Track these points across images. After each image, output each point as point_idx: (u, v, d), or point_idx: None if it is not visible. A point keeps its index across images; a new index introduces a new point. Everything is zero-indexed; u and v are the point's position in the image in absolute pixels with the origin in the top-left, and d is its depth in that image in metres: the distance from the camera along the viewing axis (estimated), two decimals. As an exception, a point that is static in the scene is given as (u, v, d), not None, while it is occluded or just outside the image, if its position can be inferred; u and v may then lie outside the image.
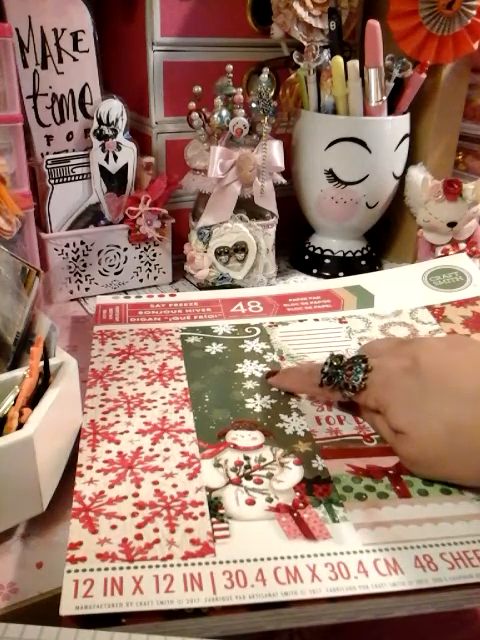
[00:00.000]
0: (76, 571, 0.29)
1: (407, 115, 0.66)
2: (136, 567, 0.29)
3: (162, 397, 0.43)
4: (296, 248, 0.76)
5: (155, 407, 0.42)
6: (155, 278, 0.69)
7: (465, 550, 0.31)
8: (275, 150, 0.62)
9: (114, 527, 0.31)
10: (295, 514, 0.33)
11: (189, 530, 0.31)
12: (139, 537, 0.31)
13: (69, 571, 0.29)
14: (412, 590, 0.29)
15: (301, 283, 0.70)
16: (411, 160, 0.69)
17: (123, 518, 0.32)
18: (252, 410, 0.42)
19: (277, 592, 0.28)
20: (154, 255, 0.67)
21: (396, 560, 0.30)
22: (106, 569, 0.29)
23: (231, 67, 0.60)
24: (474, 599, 0.30)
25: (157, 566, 0.29)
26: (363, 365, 0.38)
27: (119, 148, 0.62)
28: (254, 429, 0.40)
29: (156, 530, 0.31)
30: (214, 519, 0.32)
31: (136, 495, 0.34)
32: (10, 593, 0.31)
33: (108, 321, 0.54)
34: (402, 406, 0.36)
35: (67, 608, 0.27)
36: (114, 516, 0.32)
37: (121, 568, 0.29)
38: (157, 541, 0.31)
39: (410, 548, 0.30)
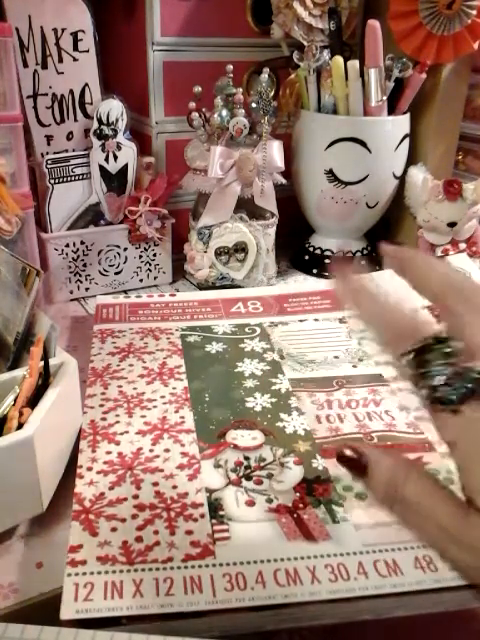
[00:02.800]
0: (76, 574, 0.29)
1: (407, 115, 0.66)
2: (136, 570, 0.29)
3: (162, 396, 0.43)
4: (296, 248, 0.76)
5: (155, 407, 0.42)
6: (155, 278, 0.69)
7: None
8: (275, 150, 0.62)
9: (114, 529, 0.31)
10: (295, 515, 0.33)
11: (189, 532, 0.31)
12: (139, 539, 0.31)
13: (69, 574, 0.29)
14: (412, 591, 0.29)
15: (301, 283, 0.70)
16: (411, 160, 0.69)
17: (123, 520, 0.32)
18: (252, 409, 0.42)
19: (277, 594, 0.28)
20: (154, 255, 0.67)
21: (396, 561, 0.30)
22: (106, 572, 0.29)
23: (231, 67, 0.60)
24: (474, 599, 0.30)
25: (157, 569, 0.29)
26: (472, 383, 0.23)
27: (119, 148, 0.62)
28: (254, 428, 0.40)
29: (156, 532, 0.31)
30: (214, 521, 0.32)
31: (136, 497, 0.34)
32: (10, 593, 0.31)
33: (108, 320, 0.54)
34: None
35: (68, 612, 0.27)
36: (114, 518, 0.32)
37: (121, 571, 0.29)
38: (157, 543, 0.31)
39: (410, 548, 0.30)
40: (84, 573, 0.29)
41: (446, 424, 0.24)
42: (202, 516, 0.32)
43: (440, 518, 0.24)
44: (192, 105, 0.59)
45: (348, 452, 0.27)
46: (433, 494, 0.25)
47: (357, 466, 0.27)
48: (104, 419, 0.40)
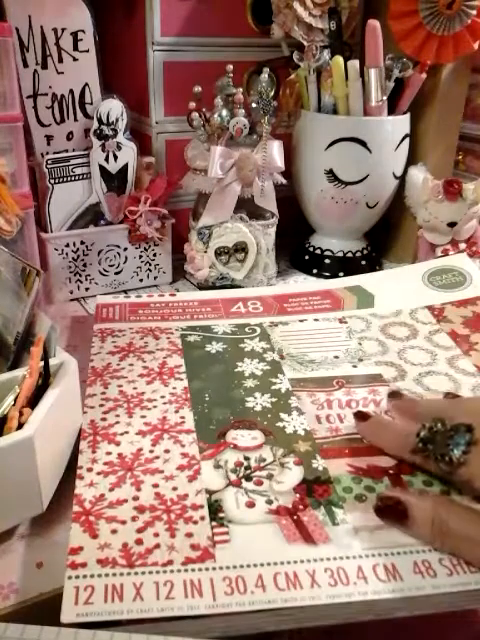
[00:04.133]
0: (76, 577, 0.29)
1: (407, 115, 0.66)
2: (136, 573, 0.29)
3: (162, 396, 0.43)
4: (296, 248, 0.76)
5: (155, 407, 0.42)
6: (155, 278, 0.69)
7: None
8: (275, 150, 0.62)
9: (114, 531, 0.31)
10: (295, 517, 0.32)
11: (189, 535, 0.31)
12: (139, 542, 0.31)
13: (70, 577, 0.29)
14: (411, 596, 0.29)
15: (301, 283, 0.70)
16: (411, 160, 0.69)
17: (123, 522, 0.32)
18: (252, 409, 0.42)
19: (277, 599, 0.28)
20: (154, 255, 0.67)
21: (395, 565, 0.30)
22: (106, 575, 0.29)
23: (231, 67, 0.60)
24: (474, 600, 0.30)
25: (157, 572, 0.29)
26: (467, 435, 0.32)
27: (119, 148, 0.61)
28: (254, 428, 0.40)
29: (156, 535, 0.31)
30: (214, 523, 0.32)
31: (136, 498, 0.34)
32: (10, 593, 0.31)
33: (108, 320, 0.54)
34: None
35: (68, 615, 0.27)
36: (114, 520, 0.32)
37: (121, 574, 0.29)
38: (157, 546, 0.31)
39: (409, 553, 0.30)
40: (84, 576, 0.29)
41: (459, 473, 0.32)
42: (202, 518, 0.32)
43: None
44: (192, 105, 0.59)
45: (385, 501, 0.32)
46: (475, 519, 0.29)
47: (396, 513, 0.31)
48: (104, 419, 0.40)
